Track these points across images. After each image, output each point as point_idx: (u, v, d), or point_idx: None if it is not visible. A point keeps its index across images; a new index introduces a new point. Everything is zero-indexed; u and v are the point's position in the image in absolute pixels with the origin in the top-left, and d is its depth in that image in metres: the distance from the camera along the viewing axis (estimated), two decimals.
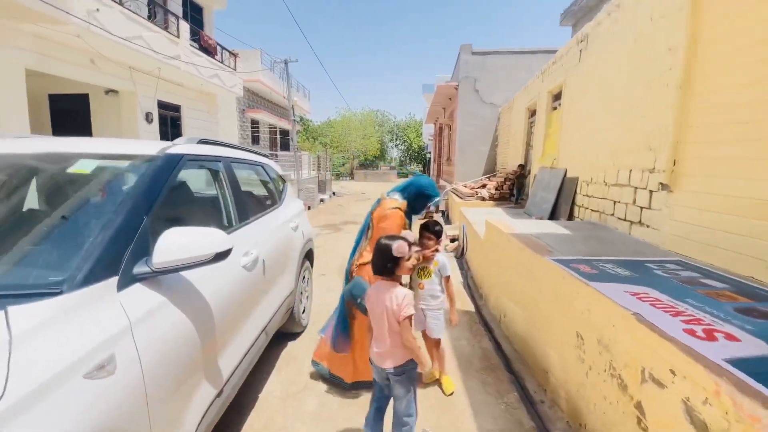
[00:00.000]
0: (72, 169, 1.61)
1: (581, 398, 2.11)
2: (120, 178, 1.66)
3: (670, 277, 2.26)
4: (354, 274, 2.59)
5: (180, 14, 10.36)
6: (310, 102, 24.59)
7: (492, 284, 4.11)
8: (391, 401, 2.03)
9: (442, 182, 15.74)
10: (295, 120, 15.06)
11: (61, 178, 1.65)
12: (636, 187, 3.64)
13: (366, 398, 2.49)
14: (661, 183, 3.24)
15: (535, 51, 11.27)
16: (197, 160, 2.12)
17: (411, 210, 2.71)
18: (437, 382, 2.75)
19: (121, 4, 6.93)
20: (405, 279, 2.49)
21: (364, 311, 2.28)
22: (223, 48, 12.03)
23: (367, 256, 2.47)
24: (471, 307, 4.31)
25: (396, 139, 47.27)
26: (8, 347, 0.91)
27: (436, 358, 2.76)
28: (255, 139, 17.65)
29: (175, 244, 1.37)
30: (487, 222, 4.39)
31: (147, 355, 1.25)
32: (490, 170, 12.02)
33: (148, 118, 9.44)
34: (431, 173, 24.37)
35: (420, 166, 42.22)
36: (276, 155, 17.90)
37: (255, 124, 17.66)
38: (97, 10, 6.12)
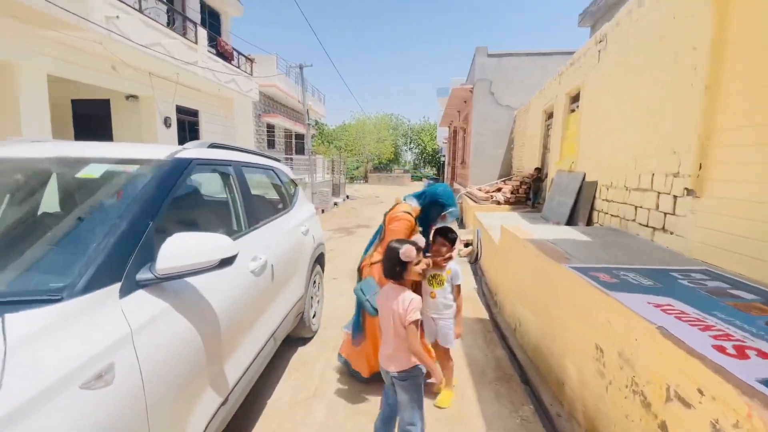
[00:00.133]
0: (81, 174, 1.61)
1: (600, 414, 2.01)
2: (127, 183, 1.66)
3: (697, 288, 2.13)
4: (365, 272, 2.63)
5: (198, 21, 10.56)
6: (325, 106, 24.76)
7: (507, 291, 4.01)
8: None
9: (456, 185, 15.60)
10: (309, 124, 15.17)
11: (70, 183, 1.65)
12: (659, 192, 3.50)
13: (376, 406, 2.43)
14: (686, 188, 3.10)
15: (552, 53, 11.08)
16: (207, 165, 2.11)
17: (425, 217, 2.66)
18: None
19: (140, 11, 7.08)
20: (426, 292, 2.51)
21: (371, 311, 2.34)
22: (239, 53, 12.21)
23: (377, 256, 2.54)
24: (485, 315, 4.21)
25: (410, 143, 47.22)
26: (2, 357, 0.89)
27: (445, 369, 2.67)
28: (270, 143, 17.85)
29: (180, 250, 1.35)
30: (502, 227, 4.29)
31: (148, 363, 1.23)
32: (506, 174, 11.85)
33: (167, 122, 9.63)
34: (445, 177, 24.22)
35: (434, 169, 42.03)
36: (291, 159, 18.04)
37: (271, 128, 17.86)
38: (117, 17, 6.27)
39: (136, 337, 1.21)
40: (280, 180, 3.39)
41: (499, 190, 9.71)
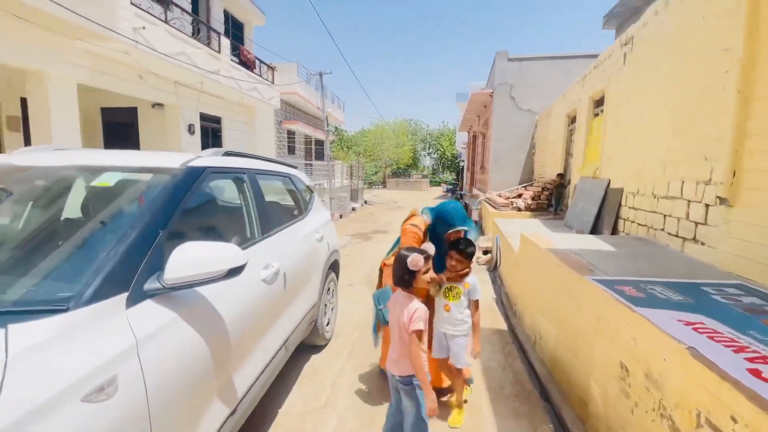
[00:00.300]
0: (96, 183, 1.64)
1: None
2: (140, 191, 1.67)
3: (730, 304, 1.99)
4: (385, 272, 2.72)
5: (222, 31, 10.84)
6: (344, 112, 24.97)
7: (527, 302, 3.88)
8: None
9: (475, 191, 15.40)
10: (329, 130, 15.31)
11: (86, 192, 1.68)
12: (689, 200, 3.32)
13: None
14: (718, 196, 2.93)
15: (575, 56, 10.84)
16: (221, 173, 2.12)
17: (434, 232, 2.61)
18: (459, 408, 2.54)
19: (166, 22, 7.31)
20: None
21: (383, 321, 2.39)
22: (261, 62, 12.46)
23: (392, 258, 2.57)
24: (503, 326, 4.09)
25: (429, 148, 47.04)
26: (3, 368, 0.89)
27: (456, 388, 2.56)
28: (291, 150, 18.09)
29: (188, 259, 1.34)
30: (522, 235, 4.17)
31: (153, 375, 1.21)
32: (527, 179, 11.61)
33: (191, 129, 9.88)
34: (464, 182, 23.96)
35: (453, 174, 41.68)
36: (311, 165, 18.25)
37: (291, 134, 18.12)
38: (144, 28, 6.48)
39: (141, 349, 1.20)
40: (296, 186, 3.39)
41: (519, 196, 9.51)
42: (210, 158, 2.05)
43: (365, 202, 18.64)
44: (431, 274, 1.99)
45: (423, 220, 2.61)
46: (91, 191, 1.64)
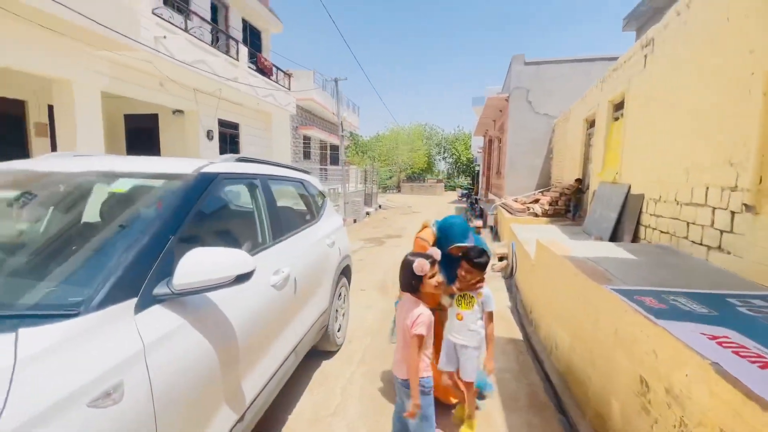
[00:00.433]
0: (110, 189, 1.67)
1: None
2: (155, 197, 1.69)
3: (758, 317, 1.89)
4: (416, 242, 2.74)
5: (240, 39, 11.07)
6: (359, 117, 25.13)
7: (543, 311, 3.78)
8: None
9: (491, 196, 15.23)
10: (344, 135, 15.41)
11: (100, 197, 1.71)
12: (714, 207, 3.19)
13: None
14: (744, 203, 2.81)
15: (593, 59, 10.64)
16: (233, 179, 2.14)
17: (440, 245, 2.56)
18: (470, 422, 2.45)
19: (186, 30, 7.51)
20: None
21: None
22: (278, 69, 12.67)
23: (423, 231, 2.67)
24: (518, 335, 4.00)
25: (444, 152, 46.81)
26: (11, 373, 0.90)
27: (466, 401, 2.45)
28: (306, 155, 18.29)
29: (197, 265, 1.35)
30: (538, 242, 4.08)
31: (160, 380, 1.22)
32: (544, 184, 11.41)
33: (209, 135, 10.09)
34: (480, 186, 23.74)
35: (469, 179, 41.36)
36: (326, 169, 18.40)
37: (307, 140, 18.33)
38: (164, 37, 6.67)
39: (148, 354, 1.21)
40: (308, 191, 3.41)
41: (536, 201, 9.35)
42: (223, 164, 2.07)
43: (379, 206, 18.63)
44: (438, 278, 2.00)
45: (431, 233, 2.60)
46: (105, 197, 1.67)
